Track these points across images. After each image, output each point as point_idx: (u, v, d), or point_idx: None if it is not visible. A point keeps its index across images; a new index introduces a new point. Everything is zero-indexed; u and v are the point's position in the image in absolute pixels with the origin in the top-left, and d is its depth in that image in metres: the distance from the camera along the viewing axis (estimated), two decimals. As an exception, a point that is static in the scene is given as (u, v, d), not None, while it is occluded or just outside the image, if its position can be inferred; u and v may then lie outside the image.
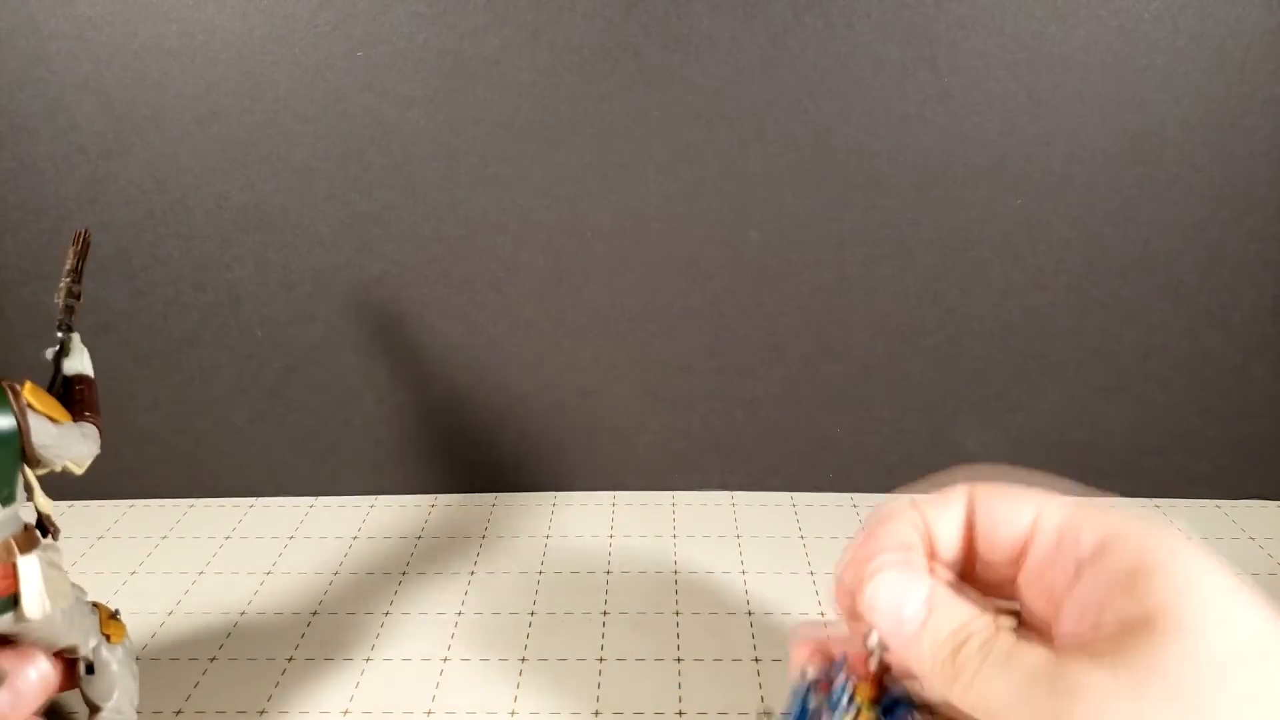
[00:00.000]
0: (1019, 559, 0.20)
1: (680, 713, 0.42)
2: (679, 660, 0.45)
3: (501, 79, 0.51)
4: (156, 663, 0.46)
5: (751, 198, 0.53)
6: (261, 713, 0.42)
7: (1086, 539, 0.18)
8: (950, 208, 0.53)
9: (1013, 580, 0.21)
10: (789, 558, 0.54)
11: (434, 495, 0.61)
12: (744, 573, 0.52)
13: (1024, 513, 0.20)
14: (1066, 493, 0.20)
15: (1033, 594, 0.20)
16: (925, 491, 0.22)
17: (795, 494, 0.60)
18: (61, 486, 0.58)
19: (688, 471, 0.61)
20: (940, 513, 0.21)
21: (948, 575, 0.22)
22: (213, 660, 0.46)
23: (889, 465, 0.60)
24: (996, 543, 0.21)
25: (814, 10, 0.49)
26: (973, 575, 0.22)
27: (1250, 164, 0.51)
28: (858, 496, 0.60)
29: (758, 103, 0.51)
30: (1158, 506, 0.59)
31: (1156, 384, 0.57)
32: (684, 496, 0.60)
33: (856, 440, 0.59)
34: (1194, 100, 0.50)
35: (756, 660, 0.45)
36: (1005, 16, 0.49)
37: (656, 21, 0.50)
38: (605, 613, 0.49)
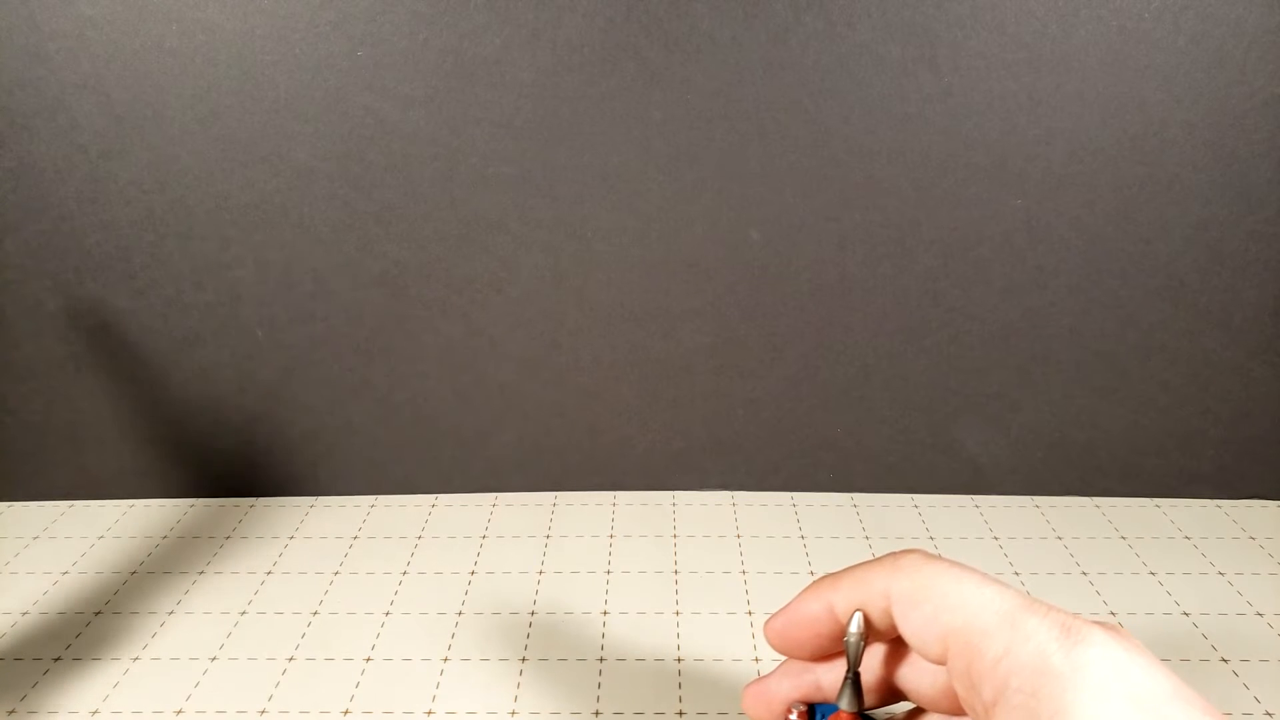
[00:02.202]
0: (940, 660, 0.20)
1: (680, 713, 0.42)
2: (679, 660, 0.45)
3: (501, 79, 0.51)
4: (157, 662, 0.46)
5: (751, 198, 0.53)
6: (261, 712, 0.42)
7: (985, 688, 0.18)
8: (950, 208, 0.53)
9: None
10: (789, 558, 0.54)
11: (434, 495, 0.61)
12: (744, 573, 0.52)
13: (935, 628, 0.19)
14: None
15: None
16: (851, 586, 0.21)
17: (795, 494, 0.61)
18: (62, 486, 0.58)
19: (688, 471, 0.61)
20: (864, 602, 0.21)
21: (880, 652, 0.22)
22: (213, 660, 0.46)
23: (889, 465, 0.60)
24: (915, 647, 0.20)
25: (814, 10, 0.49)
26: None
27: (1250, 164, 0.51)
28: (858, 496, 0.60)
29: (758, 103, 0.51)
30: (1158, 506, 0.59)
31: (1156, 384, 0.57)
32: (684, 496, 0.60)
33: (856, 440, 0.59)
34: (1194, 100, 0.50)
35: (756, 660, 0.45)
36: (1005, 16, 0.49)
37: (656, 21, 0.50)
38: (605, 613, 0.49)
